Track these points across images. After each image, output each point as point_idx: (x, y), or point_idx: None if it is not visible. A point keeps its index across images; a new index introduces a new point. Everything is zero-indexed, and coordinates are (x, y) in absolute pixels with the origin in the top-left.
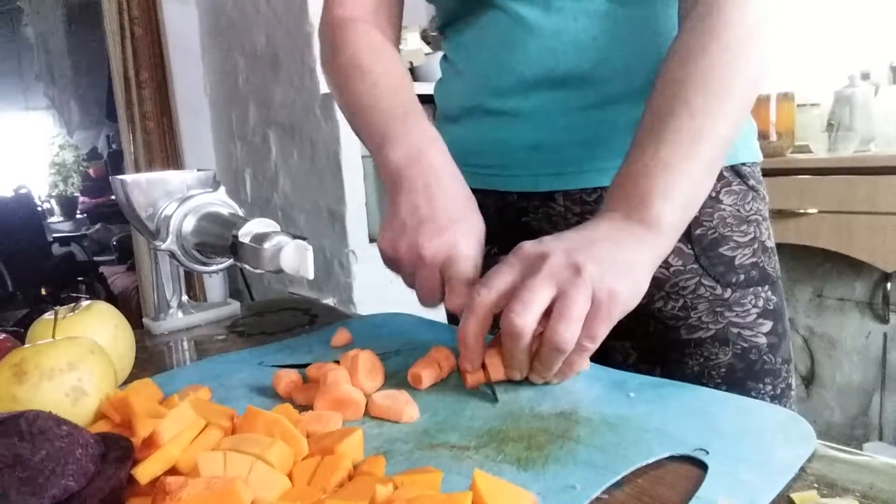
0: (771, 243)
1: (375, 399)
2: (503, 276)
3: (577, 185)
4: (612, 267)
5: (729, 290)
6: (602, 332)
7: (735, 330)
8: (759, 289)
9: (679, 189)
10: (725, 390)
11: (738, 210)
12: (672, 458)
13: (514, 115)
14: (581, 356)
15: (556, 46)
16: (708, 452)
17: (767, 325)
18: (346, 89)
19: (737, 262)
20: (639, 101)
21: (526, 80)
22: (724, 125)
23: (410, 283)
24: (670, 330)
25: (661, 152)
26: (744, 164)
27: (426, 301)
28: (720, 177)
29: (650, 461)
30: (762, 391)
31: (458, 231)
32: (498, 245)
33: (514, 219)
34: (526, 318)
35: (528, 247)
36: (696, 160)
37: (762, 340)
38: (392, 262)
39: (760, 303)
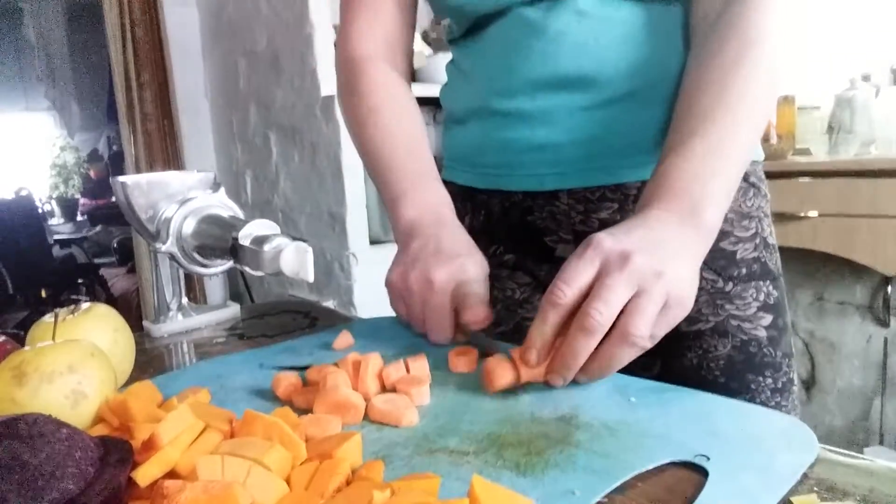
0: (773, 240)
1: (375, 403)
2: (583, 273)
3: (580, 183)
4: (683, 273)
5: (730, 284)
6: (662, 334)
7: (735, 322)
8: (761, 283)
9: (724, 195)
10: (724, 383)
11: (740, 206)
12: (673, 464)
13: (518, 115)
14: (632, 357)
15: (559, 48)
16: (709, 458)
17: (768, 319)
18: (361, 134)
19: (738, 256)
20: (642, 101)
21: (530, 82)
22: (756, 133)
23: (420, 319)
24: None
25: (710, 159)
26: None
27: (437, 334)
28: None
29: (650, 467)
30: (762, 384)
31: (465, 260)
32: (504, 245)
33: (519, 218)
34: (606, 317)
35: (606, 242)
36: (735, 167)
37: (762, 333)
38: (401, 294)
39: (761, 297)
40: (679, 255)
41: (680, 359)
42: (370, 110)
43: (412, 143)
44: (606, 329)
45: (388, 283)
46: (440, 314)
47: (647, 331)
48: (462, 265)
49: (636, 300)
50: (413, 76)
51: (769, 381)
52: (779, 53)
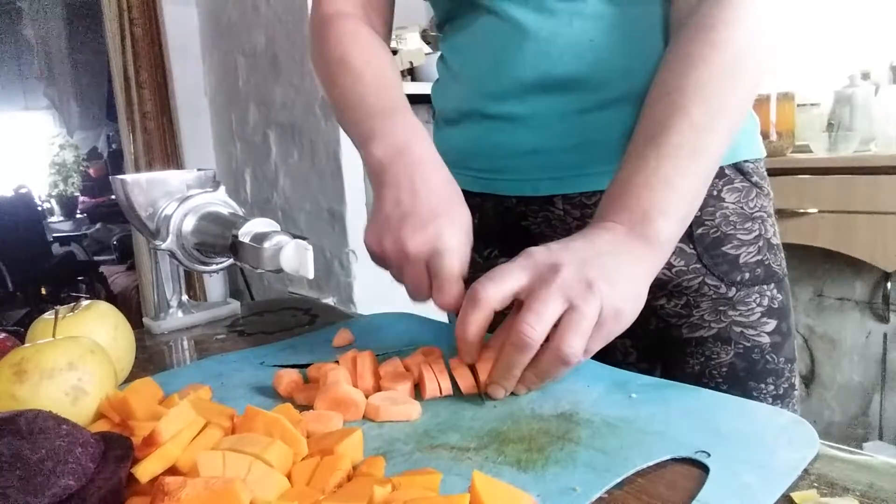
0: (777, 240)
1: (376, 400)
2: (513, 278)
3: (576, 188)
4: (620, 285)
5: (734, 289)
6: (597, 348)
7: (738, 329)
8: (765, 287)
9: (679, 205)
10: (726, 390)
11: (742, 207)
12: (674, 460)
13: (511, 119)
14: (569, 369)
15: (552, 50)
16: (709, 455)
17: (771, 324)
18: (332, 84)
19: (741, 260)
20: (638, 103)
21: (522, 84)
22: (722, 139)
23: (399, 279)
24: (672, 328)
25: (663, 167)
26: (746, 160)
27: (416, 296)
28: (721, 174)
29: (651, 463)
30: (764, 391)
31: (442, 224)
32: (499, 248)
33: (513, 223)
34: (538, 331)
35: (539, 254)
36: (695, 176)
37: (765, 340)
38: (378, 257)
39: (765, 301)
40: (620, 267)
41: (681, 366)
42: (340, 61)
43: (382, 82)
44: (539, 343)
45: (365, 244)
46: (417, 281)
47: (580, 347)
48: (438, 231)
49: (568, 315)
50: (412, 75)
51: (771, 387)
52: (749, 55)
